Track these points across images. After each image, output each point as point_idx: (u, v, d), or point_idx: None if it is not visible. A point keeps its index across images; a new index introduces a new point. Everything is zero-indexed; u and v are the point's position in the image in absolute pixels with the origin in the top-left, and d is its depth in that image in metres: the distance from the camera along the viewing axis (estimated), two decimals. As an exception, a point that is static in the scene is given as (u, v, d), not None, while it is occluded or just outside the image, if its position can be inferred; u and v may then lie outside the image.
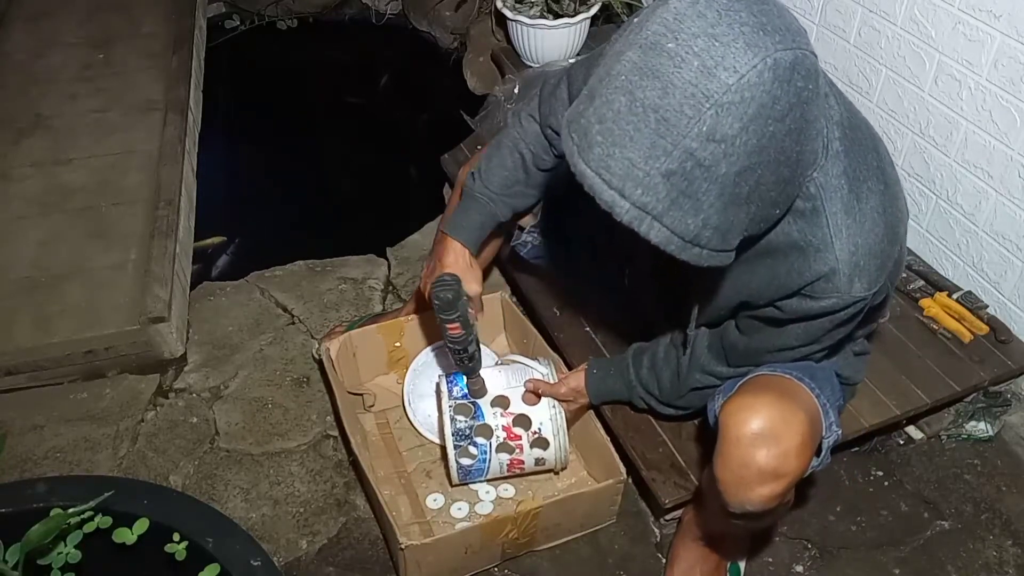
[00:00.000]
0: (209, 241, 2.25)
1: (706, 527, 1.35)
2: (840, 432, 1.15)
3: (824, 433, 1.10)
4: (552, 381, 1.40)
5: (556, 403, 1.38)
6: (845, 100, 0.99)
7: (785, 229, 0.97)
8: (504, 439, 1.38)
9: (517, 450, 1.39)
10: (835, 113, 0.95)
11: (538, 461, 1.40)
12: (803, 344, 1.10)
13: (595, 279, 1.54)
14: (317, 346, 1.80)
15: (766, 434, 1.02)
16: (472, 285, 1.33)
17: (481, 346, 1.35)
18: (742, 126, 0.75)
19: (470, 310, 1.30)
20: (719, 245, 0.82)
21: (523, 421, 1.38)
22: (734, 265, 1.03)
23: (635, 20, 0.84)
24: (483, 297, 1.41)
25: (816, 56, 0.80)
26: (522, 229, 1.61)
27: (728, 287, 1.09)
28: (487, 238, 1.39)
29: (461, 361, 1.32)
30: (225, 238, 2.27)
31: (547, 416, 1.37)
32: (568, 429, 1.40)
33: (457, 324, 1.26)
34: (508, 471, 1.42)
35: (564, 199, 1.46)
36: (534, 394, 1.38)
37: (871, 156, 0.98)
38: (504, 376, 1.42)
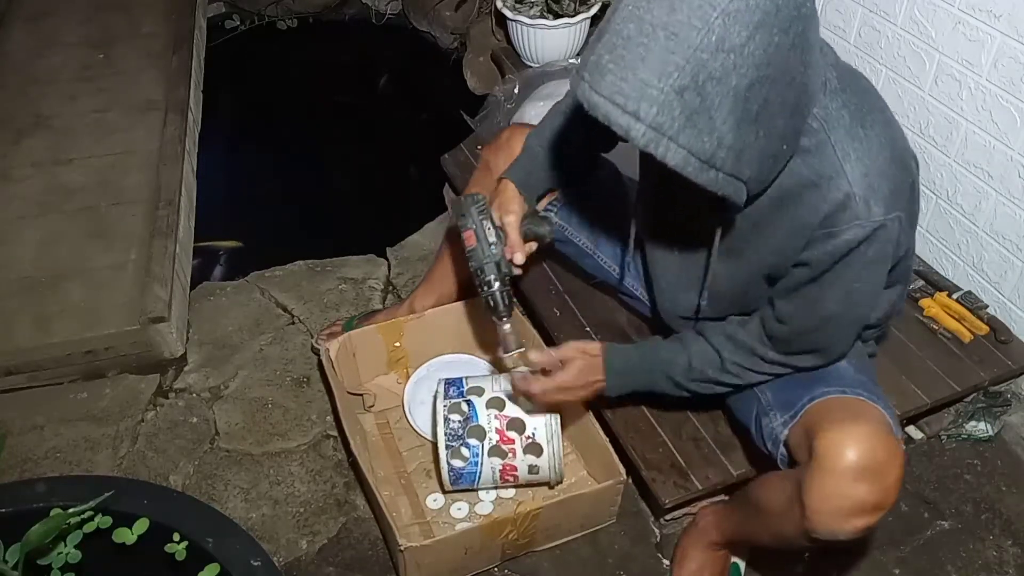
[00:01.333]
0: (225, 243, 2.24)
1: (739, 536, 1.32)
2: (904, 448, 1.14)
3: None
4: None
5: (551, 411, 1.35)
6: (836, 55, 1.03)
7: (795, 170, 0.98)
8: (497, 442, 1.36)
9: (510, 455, 1.37)
10: (830, 58, 0.99)
11: (531, 469, 1.38)
12: (843, 309, 1.07)
13: (609, 268, 1.51)
14: (315, 339, 1.79)
15: (872, 468, 1.01)
16: (509, 216, 1.26)
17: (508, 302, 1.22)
18: (749, 34, 0.78)
19: (498, 239, 1.22)
20: (733, 168, 0.84)
21: (517, 425, 1.37)
22: (751, 231, 1.06)
23: None
24: (477, 299, 1.38)
25: None
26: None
27: (751, 257, 1.09)
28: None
29: (480, 286, 1.22)
30: (242, 244, 2.25)
31: (542, 422, 1.36)
32: (567, 425, 1.36)
33: (471, 232, 1.22)
34: (501, 480, 1.40)
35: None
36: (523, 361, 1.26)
37: (871, 95, 1.01)
38: (501, 380, 1.41)
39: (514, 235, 1.25)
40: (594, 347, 1.25)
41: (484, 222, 1.23)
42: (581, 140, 1.33)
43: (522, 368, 1.31)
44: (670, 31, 0.78)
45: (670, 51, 0.79)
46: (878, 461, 1.01)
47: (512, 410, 1.37)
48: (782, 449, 1.15)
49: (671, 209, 1.20)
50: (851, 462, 1.01)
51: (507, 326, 1.22)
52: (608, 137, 1.29)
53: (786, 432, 1.13)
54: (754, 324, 1.17)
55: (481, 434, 1.37)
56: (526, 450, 1.37)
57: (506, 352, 1.22)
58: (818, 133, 0.97)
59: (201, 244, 2.19)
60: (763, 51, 0.79)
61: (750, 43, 0.78)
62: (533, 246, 1.29)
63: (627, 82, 0.80)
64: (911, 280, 1.66)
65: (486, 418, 1.37)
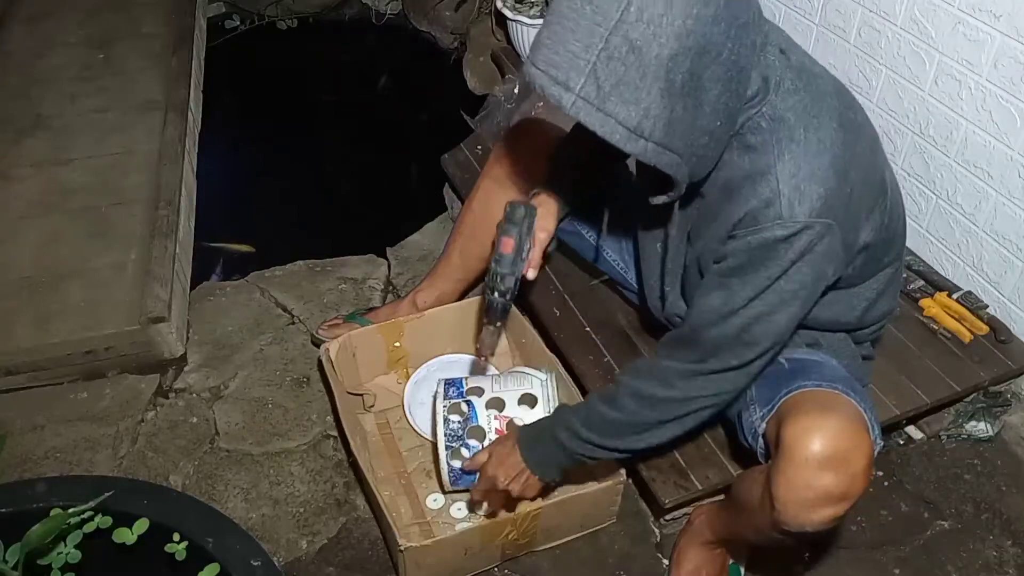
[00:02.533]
0: (238, 247, 2.24)
1: (727, 533, 1.32)
2: (882, 443, 1.14)
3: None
4: (552, 388, 1.37)
5: (551, 409, 1.34)
6: (811, 58, 1.04)
7: (739, 164, 1.01)
8: None
9: None
10: (793, 62, 1.00)
11: None
12: (754, 304, 1.02)
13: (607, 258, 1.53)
14: (316, 330, 1.80)
15: (837, 457, 1.01)
16: (542, 234, 1.27)
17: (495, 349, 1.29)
18: (667, 3, 0.82)
19: (529, 246, 1.24)
20: (662, 139, 0.87)
21: (517, 424, 1.36)
22: (703, 220, 1.07)
23: None
24: (478, 300, 1.39)
25: None
26: None
27: (699, 248, 1.10)
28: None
29: (493, 290, 1.22)
30: (254, 249, 2.24)
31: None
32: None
33: (511, 240, 1.21)
34: None
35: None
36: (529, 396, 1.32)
37: (830, 99, 1.01)
38: (501, 380, 1.41)
39: (537, 253, 1.27)
40: (506, 437, 1.27)
41: (528, 238, 1.25)
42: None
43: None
44: (595, 4, 0.83)
45: (595, 23, 0.83)
46: (842, 450, 1.01)
47: (511, 410, 1.37)
48: (760, 443, 1.16)
49: (658, 210, 1.20)
50: (815, 451, 1.01)
51: (489, 332, 1.28)
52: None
53: (763, 425, 1.14)
54: (667, 339, 1.14)
55: (481, 435, 1.37)
56: None
57: (478, 355, 1.29)
58: (764, 132, 0.98)
59: (214, 245, 2.20)
60: (682, 22, 0.82)
61: (668, 13, 0.82)
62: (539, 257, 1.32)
63: (558, 54, 0.85)
64: (911, 281, 1.67)
65: (486, 419, 1.37)
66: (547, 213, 1.30)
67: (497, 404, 1.38)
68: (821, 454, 1.00)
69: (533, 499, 1.30)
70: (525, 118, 1.48)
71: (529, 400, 1.38)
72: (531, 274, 1.25)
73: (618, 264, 1.51)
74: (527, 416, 1.36)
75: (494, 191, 1.48)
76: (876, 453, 1.09)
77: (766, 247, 0.99)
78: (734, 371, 1.08)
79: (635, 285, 1.49)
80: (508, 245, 1.22)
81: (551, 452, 1.20)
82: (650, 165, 0.90)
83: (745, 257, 1.01)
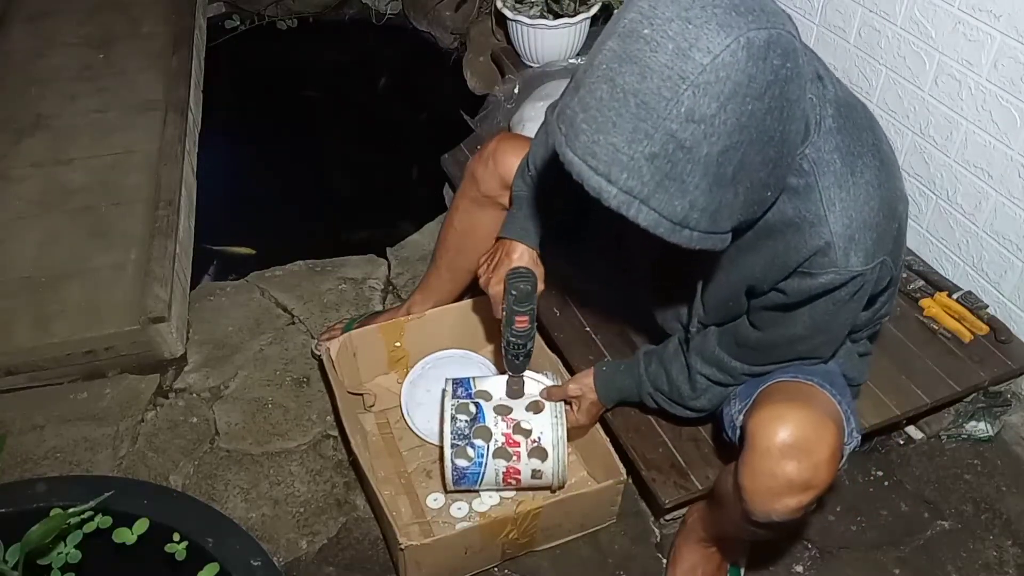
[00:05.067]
0: (238, 249, 2.24)
1: (714, 530, 1.34)
2: (860, 437, 1.15)
3: (845, 440, 1.10)
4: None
5: (559, 415, 1.36)
6: (840, 82, 1.01)
7: (780, 208, 0.98)
8: (503, 444, 1.36)
9: (514, 457, 1.37)
10: (829, 93, 0.96)
11: (535, 473, 1.38)
12: (811, 333, 1.09)
13: (598, 274, 1.53)
14: (316, 343, 1.80)
15: (799, 446, 1.01)
16: (539, 284, 1.31)
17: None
18: (720, 105, 0.76)
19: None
20: (709, 227, 0.83)
21: (523, 430, 1.36)
22: (735, 252, 1.05)
23: (616, 13, 0.86)
24: (476, 300, 1.39)
25: (795, 35, 0.80)
26: None
27: (732, 274, 1.10)
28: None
29: (516, 357, 1.30)
30: (255, 252, 2.23)
31: (548, 426, 1.35)
32: (575, 440, 1.39)
33: (527, 318, 1.25)
34: (504, 482, 1.40)
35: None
36: (544, 399, 1.38)
37: (866, 134, 0.99)
38: (509, 384, 1.40)
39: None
40: (588, 379, 1.37)
41: (533, 316, 1.28)
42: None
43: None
44: (640, 99, 0.77)
45: (640, 119, 0.77)
46: (804, 439, 1.02)
47: (519, 414, 1.37)
48: (739, 434, 1.16)
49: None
50: (778, 440, 1.02)
51: (515, 381, 1.37)
52: None
53: (741, 418, 1.15)
54: (727, 336, 1.19)
55: (487, 435, 1.36)
56: (531, 453, 1.36)
57: (515, 398, 1.39)
58: (807, 175, 0.96)
59: (216, 248, 2.20)
60: (735, 120, 0.77)
61: (721, 113, 0.76)
62: None
63: (599, 145, 0.80)
64: (911, 281, 1.67)
65: (493, 420, 1.37)
66: (535, 265, 1.34)
67: (504, 410, 1.38)
68: (782, 443, 1.02)
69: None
70: (499, 135, 1.47)
71: (536, 407, 1.38)
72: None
73: (615, 271, 1.51)
74: (535, 420, 1.36)
75: (473, 210, 1.48)
76: (851, 448, 1.11)
77: (821, 292, 1.01)
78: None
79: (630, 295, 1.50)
80: (524, 322, 1.25)
81: (623, 392, 1.35)
82: None
83: (802, 296, 1.04)
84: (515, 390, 1.37)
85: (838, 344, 1.16)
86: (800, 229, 0.98)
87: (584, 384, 1.37)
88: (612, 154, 0.79)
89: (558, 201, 1.33)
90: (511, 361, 1.32)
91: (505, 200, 1.40)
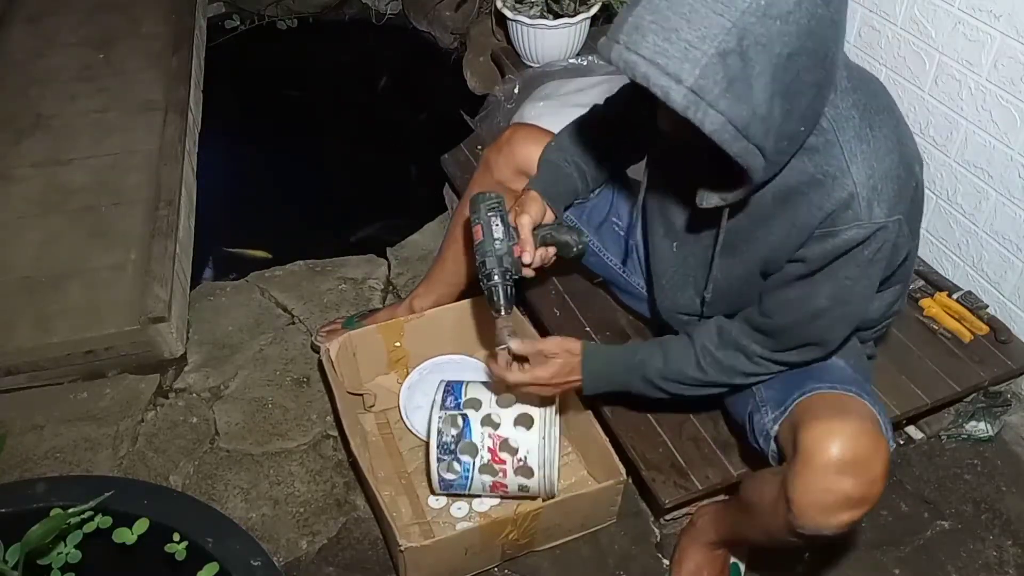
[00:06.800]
0: (253, 253, 2.24)
1: (731, 535, 1.32)
2: (894, 445, 1.15)
3: None
4: (555, 405, 1.36)
5: (548, 434, 1.33)
6: (846, 57, 1.03)
7: (800, 167, 0.98)
8: (488, 460, 1.35)
9: (500, 474, 1.36)
10: (843, 58, 0.97)
11: (522, 488, 1.37)
12: (832, 304, 1.06)
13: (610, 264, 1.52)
14: (316, 335, 1.80)
15: (856, 462, 1.01)
16: (523, 217, 1.25)
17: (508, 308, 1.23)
18: (797, 1, 0.78)
19: (506, 236, 1.23)
20: (761, 140, 0.84)
21: (510, 447, 1.34)
22: (750, 225, 1.06)
23: None
24: (476, 299, 1.37)
25: None
26: None
27: (748, 252, 1.10)
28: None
29: (485, 280, 1.22)
30: (270, 255, 2.21)
31: (535, 445, 1.33)
32: (565, 427, 1.35)
33: (479, 227, 1.23)
34: (491, 491, 1.40)
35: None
36: (509, 351, 1.23)
37: (882, 96, 1.01)
38: (501, 397, 1.39)
39: (525, 233, 1.25)
40: (575, 346, 1.25)
41: (493, 218, 1.24)
42: (603, 151, 1.33)
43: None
44: None
45: (717, 13, 0.78)
46: (861, 455, 1.01)
47: (506, 430, 1.35)
48: (772, 445, 1.15)
49: (674, 207, 1.20)
50: (834, 456, 1.01)
51: (501, 320, 1.22)
52: (636, 146, 1.29)
53: (776, 428, 1.14)
54: (743, 320, 1.16)
55: (473, 451, 1.35)
56: (517, 472, 1.35)
57: (498, 345, 1.22)
58: (827, 132, 0.97)
59: (232, 250, 2.21)
60: (807, 20, 0.79)
61: (797, 10, 0.78)
62: (551, 251, 1.30)
63: (670, 43, 0.79)
64: (911, 280, 1.66)
65: (479, 436, 1.34)
66: (527, 200, 1.28)
67: (492, 423, 1.36)
68: (840, 459, 1.00)
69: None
70: (514, 124, 1.47)
71: (525, 421, 1.35)
72: (527, 257, 1.23)
73: (618, 267, 1.50)
74: (522, 437, 1.34)
75: (480, 192, 1.48)
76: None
77: (846, 249, 1.00)
78: (798, 361, 1.15)
79: (635, 287, 1.49)
80: (477, 232, 1.23)
81: (614, 385, 1.26)
82: (712, 164, 0.88)
83: (824, 261, 1.02)
84: (499, 332, 1.22)
85: (854, 324, 1.12)
86: (823, 185, 0.98)
87: (566, 349, 1.24)
88: (684, 51, 0.79)
89: (588, 168, 1.33)
90: (483, 290, 1.23)
91: (517, 186, 1.40)
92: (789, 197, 1.01)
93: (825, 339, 1.12)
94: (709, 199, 0.98)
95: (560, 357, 1.23)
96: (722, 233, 1.08)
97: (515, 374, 1.22)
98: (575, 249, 1.30)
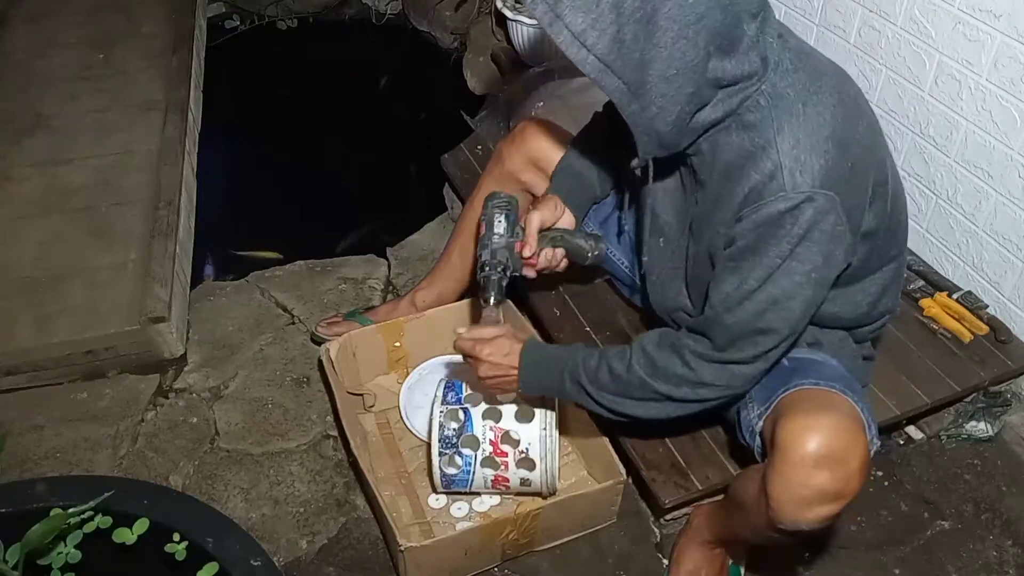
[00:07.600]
0: (264, 254, 2.23)
1: (725, 532, 1.32)
2: (879, 443, 1.14)
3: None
4: (555, 400, 1.35)
5: (548, 425, 1.33)
6: (804, 41, 1.07)
7: (739, 143, 1.01)
8: (490, 453, 1.35)
9: (502, 467, 1.36)
10: (791, 43, 1.02)
11: (523, 482, 1.37)
12: (765, 286, 1.01)
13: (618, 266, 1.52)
14: (316, 327, 1.80)
15: (832, 456, 1.01)
16: (532, 214, 1.28)
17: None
18: None
19: (508, 233, 1.27)
20: (605, 55, 0.91)
21: (512, 439, 1.35)
22: (710, 208, 1.08)
23: None
24: (476, 299, 1.38)
25: None
26: None
27: (703, 238, 1.11)
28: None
29: (480, 267, 1.26)
30: (281, 256, 2.20)
31: (536, 437, 1.33)
32: (566, 426, 1.36)
33: (483, 224, 1.30)
34: (493, 487, 1.40)
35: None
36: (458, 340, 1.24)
37: (827, 78, 1.03)
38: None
39: (530, 230, 1.28)
40: (523, 334, 1.24)
41: (497, 214, 1.29)
42: (610, 155, 1.35)
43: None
44: None
45: None
46: (838, 449, 1.01)
47: (508, 422, 1.35)
48: (758, 441, 1.15)
49: (659, 203, 1.21)
50: (810, 450, 1.01)
51: (487, 310, 1.24)
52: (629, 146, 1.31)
53: (760, 424, 1.14)
54: (691, 324, 1.13)
55: (475, 444, 1.35)
56: (519, 464, 1.35)
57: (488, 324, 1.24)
58: (763, 109, 0.99)
59: (242, 253, 2.22)
60: None
61: None
62: (560, 253, 1.32)
63: None
64: (910, 281, 1.67)
65: (481, 429, 1.35)
66: (542, 201, 1.32)
67: (494, 415, 1.36)
68: (816, 453, 1.00)
69: (499, 393, 1.30)
70: (528, 118, 1.49)
71: (526, 414, 1.35)
72: (526, 251, 1.27)
73: (622, 262, 1.51)
74: (523, 430, 1.34)
75: (493, 189, 1.48)
76: (873, 453, 1.09)
77: (771, 222, 0.99)
78: (748, 364, 1.08)
79: (637, 282, 1.49)
80: (481, 227, 1.29)
81: (545, 380, 1.20)
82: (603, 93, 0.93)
83: (753, 236, 1.01)
84: (483, 321, 1.24)
85: (795, 317, 1.04)
86: (753, 156, 1.00)
87: (513, 333, 1.22)
88: None
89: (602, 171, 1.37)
90: (479, 284, 1.25)
91: (528, 178, 1.44)
92: (731, 173, 1.03)
93: (760, 332, 1.04)
94: (635, 162, 1.02)
95: (505, 339, 1.21)
96: (649, 197, 1.13)
97: (462, 340, 1.24)
98: (589, 256, 1.33)
